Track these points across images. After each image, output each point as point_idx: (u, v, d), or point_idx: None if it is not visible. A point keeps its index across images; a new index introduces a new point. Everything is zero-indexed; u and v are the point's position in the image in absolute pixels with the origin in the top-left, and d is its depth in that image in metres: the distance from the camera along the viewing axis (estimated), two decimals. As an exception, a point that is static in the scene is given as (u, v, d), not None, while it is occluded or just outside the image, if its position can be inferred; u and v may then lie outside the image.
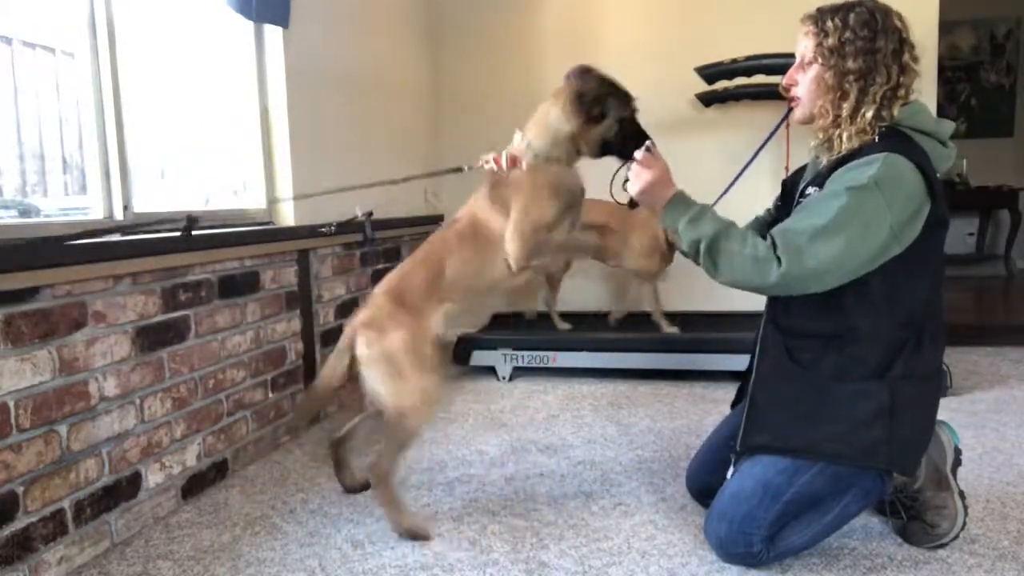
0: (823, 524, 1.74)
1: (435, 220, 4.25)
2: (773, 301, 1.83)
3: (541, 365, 3.52)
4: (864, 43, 1.62)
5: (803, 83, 1.73)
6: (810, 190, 1.73)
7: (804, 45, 1.71)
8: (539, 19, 4.23)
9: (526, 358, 3.52)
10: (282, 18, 2.74)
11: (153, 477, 2.11)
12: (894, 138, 1.62)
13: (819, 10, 1.70)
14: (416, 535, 1.93)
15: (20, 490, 1.70)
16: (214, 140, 2.75)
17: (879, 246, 1.57)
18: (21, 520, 1.70)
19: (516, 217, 1.96)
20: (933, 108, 3.80)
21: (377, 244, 3.39)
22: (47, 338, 1.77)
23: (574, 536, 1.95)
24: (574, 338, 3.57)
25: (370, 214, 3.15)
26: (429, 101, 4.32)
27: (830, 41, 1.65)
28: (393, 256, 3.66)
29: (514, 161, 2.00)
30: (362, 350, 1.95)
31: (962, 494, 1.81)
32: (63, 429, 1.82)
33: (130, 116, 2.19)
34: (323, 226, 2.87)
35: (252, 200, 2.84)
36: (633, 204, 1.86)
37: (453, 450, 2.61)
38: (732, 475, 1.80)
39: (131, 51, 2.21)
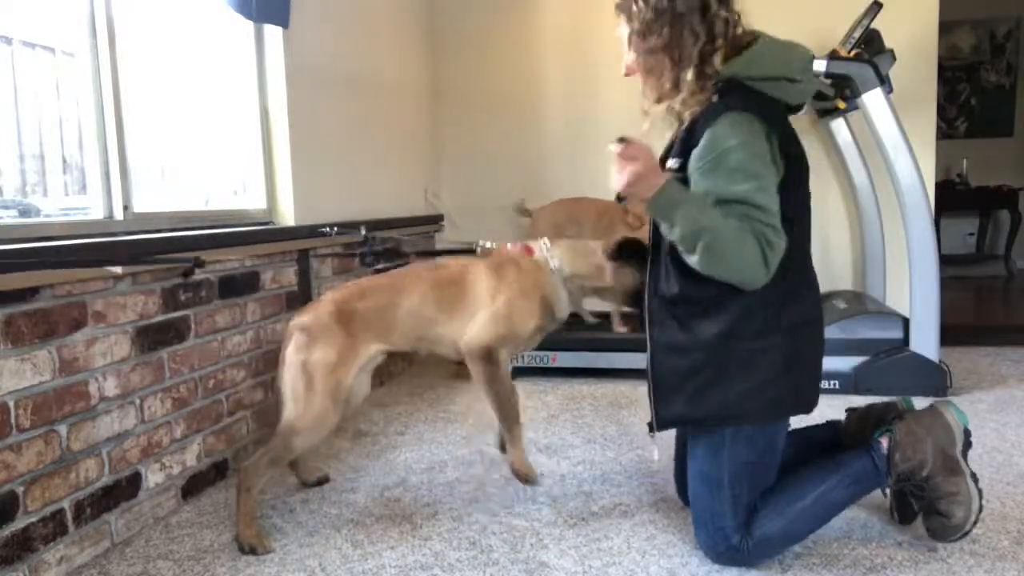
0: (797, 510, 1.73)
1: (435, 220, 4.25)
2: (654, 273, 1.82)
3: (541, 365, 3.52)
4: (666, 16, 1.63)
5: (635, 69, 1.75)
6: (671, 162, 1.71)
7: (619, 33, 1.73)
8: (539, 19, 4.23)
9: (526, 358, 3.51)
10: (282, 18, 2.74)
11: (153, 477, 2.11)
12: (731, 94, 1.63)
13: None
14: (256, 550, 1.88)
15: (20, 490, 1.70)
16: (214, 140, 2.75)
17: (775, 188, 1.61)
18: (21, 520, 1.70)
19: (501, 306, 1.96)
20: (933, 109, 3.79)
21: (377, 252, 3.38)
22: (47, 338, 1.77)
23: (574, 536, 1.95)
24: (574, 338, 3.57)
25: (372, 235, 3.15)
26: (429, 101, 4.32)
27: (635, 25, 1.67)
28: (393, 255, 3.66)
29: (528, 250, 2.03)
30: (291, 351, 1.97)
31: (974, 476, 1.75)
32: (63, 429, 1.82)
33: (130, 116, 2.19)
34: (323, 226, 2.87)
35: (252, 200, 2.84)
36: (620, 199, 1.83)
37: (453, 450, 2.61)
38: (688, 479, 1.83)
39: (131, 51, 2.21)
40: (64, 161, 2.14)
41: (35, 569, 1.74)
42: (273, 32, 2.79)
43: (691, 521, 1.85)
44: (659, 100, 1.74)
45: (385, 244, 3.54)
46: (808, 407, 1.78)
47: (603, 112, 4.18)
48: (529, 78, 4.26)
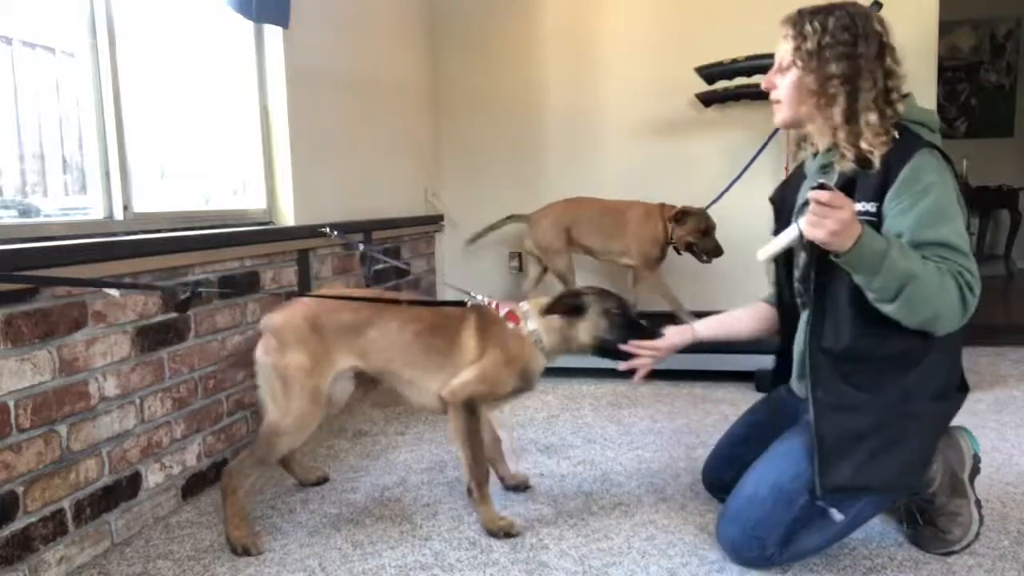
0: (837, 527, 1.72)
1: (435, 220, 4.25)
2: (816, 326, 1.70)
3: (541, 365, 3.51)
4: (845, 47, 1.62)
5: (782, 87, 1.72)
6: (863, 206, 1.60)
7: (783, 48, 1.71)
8: (539, 20, 4.23)
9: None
10: (282, 18, 2.74)
11: (153, 477, 2.11)
12: (908, 135, 1.64)
13: (799, 12, 1.69)
14: (249, 551, 1.88)
15: (20, 490, 1.70)
16: (214, 140, 2.75)
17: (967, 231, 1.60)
18: (21, 520, 1.70)
19: (488, 366, 1.98)
20: (933, 109, 3.79)
21: (376, 265, 3.38)
22: (47, 338, 1.77)
23: (574, 536, 1.95)
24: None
25: (369, 235, 3.15)
26: (429, 102, 4.32)
27: (809, 45, 1.64)
28: (393, 255, 3.66)
29: (513, 317, 2.05)
30: (260, 353, 1.95)
31: (978, 502, 1.78)
32: (63, 429, 1.82)
33: (130, 116, 2.19)
34: (323, 226, 2.87)
35: (252, 200, 2.84)
36: (805, 248, 1.69)
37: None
38: (747, 476, 1.78)
39: (131, 51, 2.21)
40: (64, 161, 2.13)
41: (35, 569, 1.74)
42: (273, 32, 2.79)
43: (720, 514, 1.81)
44: (819, 129, 1.71)
45: (384, 246, 3.55)
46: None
47: (603, 112, 4.18)
48: (529, 79, 4.26)
